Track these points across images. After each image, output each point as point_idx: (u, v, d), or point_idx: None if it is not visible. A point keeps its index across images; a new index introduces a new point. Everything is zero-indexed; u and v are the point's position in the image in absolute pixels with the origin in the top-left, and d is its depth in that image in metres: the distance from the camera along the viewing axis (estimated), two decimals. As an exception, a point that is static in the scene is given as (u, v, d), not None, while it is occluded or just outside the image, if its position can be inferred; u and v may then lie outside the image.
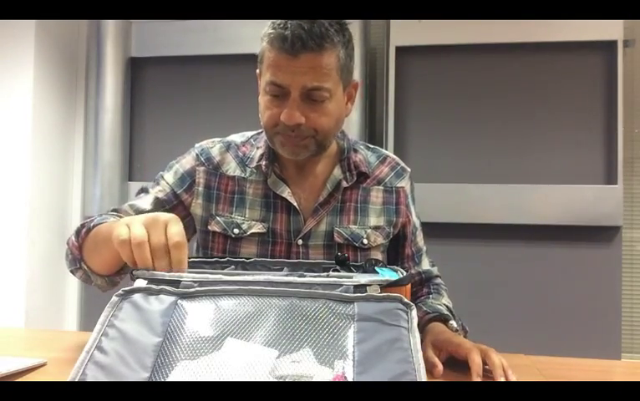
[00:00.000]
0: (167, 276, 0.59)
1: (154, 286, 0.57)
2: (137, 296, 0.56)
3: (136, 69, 2.30)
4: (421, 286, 1.07)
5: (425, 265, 1.09)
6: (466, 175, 2.06)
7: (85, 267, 0.89)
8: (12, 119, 2.10)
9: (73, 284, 2.33)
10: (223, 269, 0.81)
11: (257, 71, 0.96)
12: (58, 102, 2.26)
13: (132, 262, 0.65)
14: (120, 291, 0.57)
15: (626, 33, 1.94)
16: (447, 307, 1.00)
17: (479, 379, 0.70)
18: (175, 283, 0.58)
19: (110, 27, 2.19)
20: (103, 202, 2.17)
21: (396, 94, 2.06)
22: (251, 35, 2.10)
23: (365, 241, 0.98)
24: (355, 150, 1.04)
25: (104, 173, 2.18)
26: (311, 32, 0.83)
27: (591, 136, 2.01)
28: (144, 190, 1.02)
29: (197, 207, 1.00)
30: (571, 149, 2.01)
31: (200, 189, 1.00)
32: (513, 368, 0.73)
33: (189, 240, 1.07)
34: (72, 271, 0.94)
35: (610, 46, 1.97)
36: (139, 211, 0.96)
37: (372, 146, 1.10)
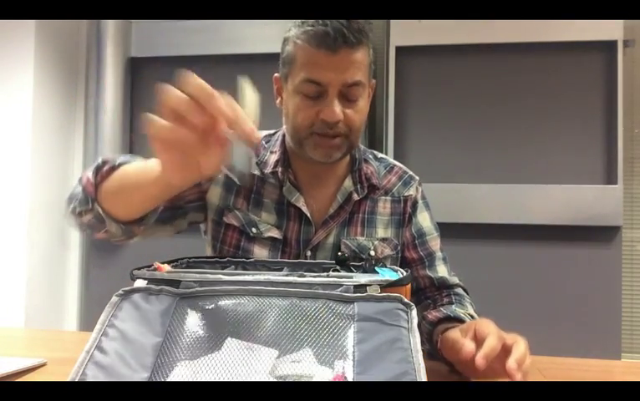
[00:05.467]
0: (167, 276, 0.59)
1: (154, 286, 0.57)
2: (137, 296, 0.56)
3: (136, 69, 2.30)
4: (438, 291, 1.01)
5: (441, 272, 1.02)
6: (466, 175, 2.06)
7: (99, 209, 0.77)
8: (12, 118, 2.10)
9: (73, 284, 2.33)
10: (223, 269, 0.81)
11: (277, 75, 0.94)
12: (58, 102, 2.26)
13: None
14: (120, 291, 0.57)
15: (626, 33, 1.94)
16: (471, 317, 0.92)
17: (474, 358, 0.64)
18: (175, 283, 0.58)
19: (110, 27, 2.19)
20: (103, 202, 2.17)
21: (396, 94, 2.06)
22: (252, 35, 2.10)
23: (372, 253, 0.97)
24: (366, 161, 1.02)
25: (104, 173, 2.18)
26: (350, 27, 0.83)
27: (591, 136, 2.01)
28: None
29: (214, 195, 0.97)
30: (571, 149, 2.01)
31: (221, 177, 0.97)
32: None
33: (201, 222, 1.01)
34: (79, 213, 0.80)
35: (610, 46, 1.97)
36: None
37: (380, 155, 1.08)
